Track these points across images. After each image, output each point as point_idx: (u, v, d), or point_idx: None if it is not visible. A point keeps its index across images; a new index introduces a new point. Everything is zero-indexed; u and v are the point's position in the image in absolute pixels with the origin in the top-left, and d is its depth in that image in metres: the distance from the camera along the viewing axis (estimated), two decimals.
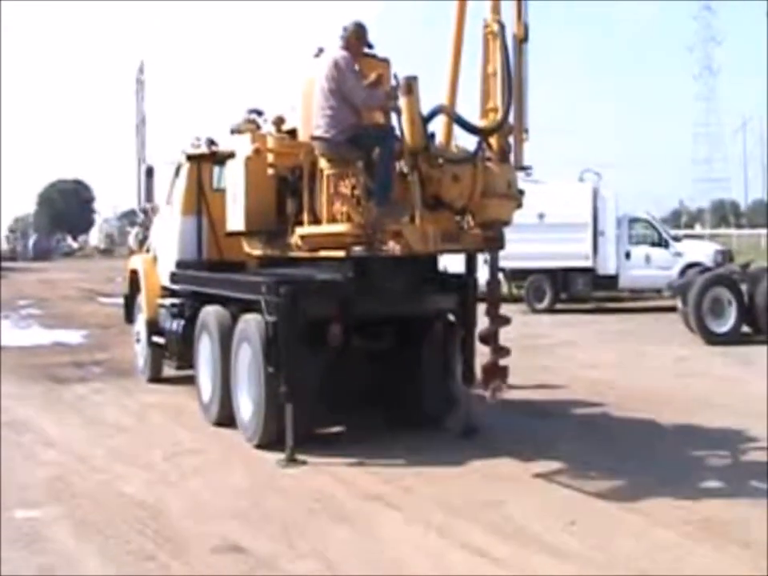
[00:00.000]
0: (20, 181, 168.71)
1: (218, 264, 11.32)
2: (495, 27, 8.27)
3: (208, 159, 11.85)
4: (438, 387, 9.68)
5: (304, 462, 8.42)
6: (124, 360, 14.74)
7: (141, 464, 8.62)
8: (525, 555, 6.09)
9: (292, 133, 9.52)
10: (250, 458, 8.79)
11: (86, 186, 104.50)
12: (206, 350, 10.39)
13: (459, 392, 9.58)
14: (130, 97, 50.36)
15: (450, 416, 9.69)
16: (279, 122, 9.69)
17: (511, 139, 8.43)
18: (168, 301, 12.13)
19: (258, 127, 10.27)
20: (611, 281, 24.59)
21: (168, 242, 12.40)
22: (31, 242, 76.52)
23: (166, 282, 12.23)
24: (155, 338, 12.47)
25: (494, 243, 8.48)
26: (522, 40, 8.45)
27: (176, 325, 11.50)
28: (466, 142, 8.52)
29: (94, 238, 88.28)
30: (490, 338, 8.62)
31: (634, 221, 25.25)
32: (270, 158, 9.47)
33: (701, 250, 25.36)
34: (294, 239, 9.14)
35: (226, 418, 9.78)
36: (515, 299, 24.13)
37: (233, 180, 9.96)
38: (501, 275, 10.12)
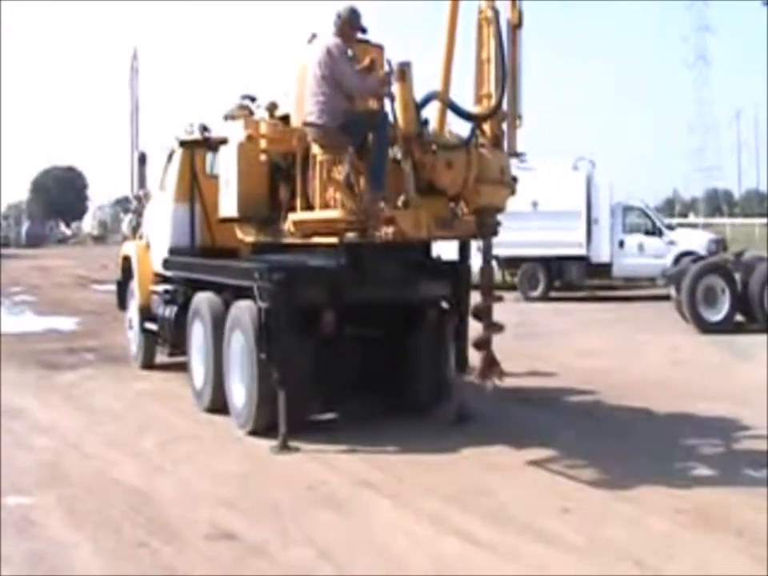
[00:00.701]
0: (13, 167, 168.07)
1: (210, 250, 11.30)
2: (489, 13, 8.22)
3: (201, 145, 11.79)
4: (431, 375, 9.67)
5: (297, 449, 8.41)
6: (117, 346, 14.71)
7: (133, 450, 8.60)
8: (517, 543, 6.07)
9: (285, 119, 9.48)
10: (243, 445, 8.78)
11: (80, 173, 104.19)
12: (198, 336, 10.35)
13: (452, 379, 9.57)
14: (124, 84, 50.32)
15: (443, 403, 9.69)
16: (272, 108, 9.67)
17: (505, 126, 8.40)
18: (161, 287, 12.08)
19: (251, 113, 10.24)
20: (605, 269, 24.61)
21: (161, 228, 12.35)
22: (24, 228, 76.18)
23: (159, 269, 12.19)
24: (148, 325, 12.43)
25: (488, 230, 8.43)
26: (517, 26, 8.42)
27: (168, 311, 11.46)
28: (460, 128, 8.50)
29: (88, 224, 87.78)
30: (482, 314, 8.52)
31: (627, 209, 25.21)
32: (263, 143, 9.44)
33: (694, 239, 25.37)
34: (287, 225, 9.10)
35: (219, 405, 9.76)
36: (509, 287, 24.12)
37: (226, 166, 9.92)
38: (494, 263, 10.09)
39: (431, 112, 8.41)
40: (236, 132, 9.73)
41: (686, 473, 7.70)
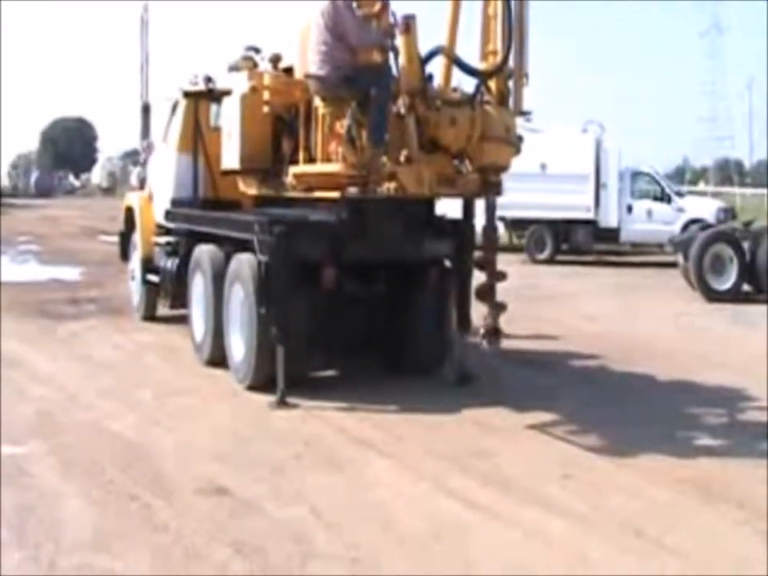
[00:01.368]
0: (23, 118, 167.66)
1: (213, 203, 11.21)
2: None
3: (205, 96, 11.64)
4: (433, 334, 9.55)
5: (295, 406, 8.34)
6: (120, 297, 14.62)
7: (130, 402, 8.54)
8: (514, 506, 5.99)
9: (289, 71, 9.33)
10: (241, 400, 8.72)
11: (90, 124, 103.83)
12: (199, 289, 10.26)
13: (454, 339, 9.46)
14: (134, 36, 49.85)
15: (444, 363, 9.59)
16: (276, 59, 9.54)
17: (511, 83, 8.23)
18: (163, 239, 11.98)
19: (256, 65, 10.08)
20: (613, 234, 24.44)
21: (164, 179, 12.22)
22: (33, 178, 76.11)
23: (162, 220, 12.06)
24: (150, 276, 12.34)
25: (492, 188, 8.28)
26: None
27: (170, 263, 11.36)
28: (465, 84, 8.34)
29: (97, 176, 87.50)
30: (485, 295, 8.39)
31: (636, 174, 25.03)
32: (267, 95, 9.31)
33: (704, 207, 25.20)
34: (290, 179, 8.98)
35: (218, 358, 9.69)
36: (516, 249, 23.97)
37: (229, 117, 9.80)
38: (501, 224, 9.94)
39: (436, 67, 8.30)
40: (240, 83, 9.58)
41: (689, 442, 7.59)
